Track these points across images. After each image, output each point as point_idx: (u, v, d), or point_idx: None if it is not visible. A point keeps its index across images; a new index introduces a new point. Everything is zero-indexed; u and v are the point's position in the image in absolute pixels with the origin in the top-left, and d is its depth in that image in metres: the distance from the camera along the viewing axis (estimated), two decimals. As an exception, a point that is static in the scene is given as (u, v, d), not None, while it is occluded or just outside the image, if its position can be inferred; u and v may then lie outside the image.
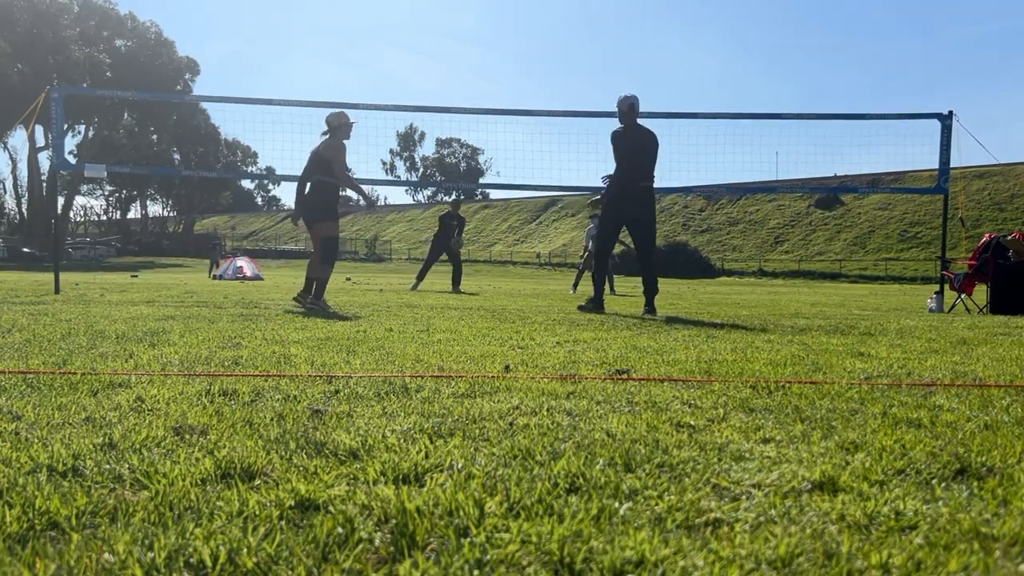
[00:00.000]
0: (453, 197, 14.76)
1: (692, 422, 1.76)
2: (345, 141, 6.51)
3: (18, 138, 58.98)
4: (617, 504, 1.14)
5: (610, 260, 13.46)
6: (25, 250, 49.02)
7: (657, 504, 1.15)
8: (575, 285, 13.58)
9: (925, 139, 9.02)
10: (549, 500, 1.16)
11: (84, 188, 68.68)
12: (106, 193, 75.40)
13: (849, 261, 49.79)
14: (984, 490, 1.25)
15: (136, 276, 22.69)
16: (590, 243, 13.53)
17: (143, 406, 1.87)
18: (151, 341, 3.31)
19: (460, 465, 1.34)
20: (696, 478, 1.29)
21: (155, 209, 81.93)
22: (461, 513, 1.09)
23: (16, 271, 28.52)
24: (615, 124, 6.53)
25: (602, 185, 6.97)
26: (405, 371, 2.55)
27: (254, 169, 79.32)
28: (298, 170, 6.70)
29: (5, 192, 72.92)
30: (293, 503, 1.14)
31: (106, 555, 0.93)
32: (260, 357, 2.85)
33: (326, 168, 6.36)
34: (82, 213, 77.39)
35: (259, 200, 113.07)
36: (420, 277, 13.06)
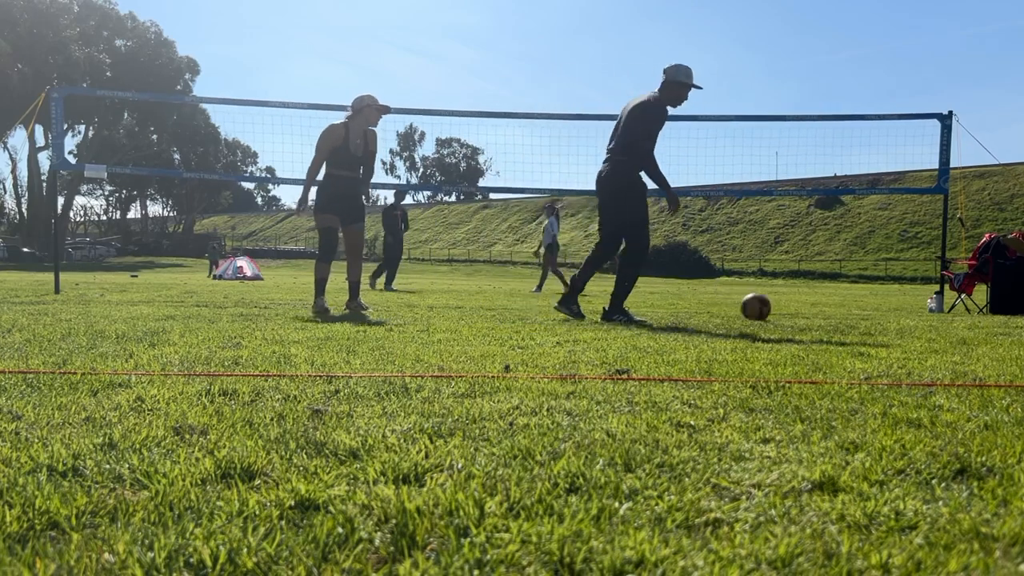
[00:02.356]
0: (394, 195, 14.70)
1: (692, 422, 1.76)
2: (372, 127, 5.87)
3: (18, 138, 59.01)
4: (617, 504, 1.14)
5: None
6: (25, 250, 49.05)
7: (657, 504, 1.15)
8: (546, 285, 13.32)
9: (925, 139, 9.01)
10: (549, 500, 1.16)
11: (84, 188, 68.69)
12: (106, 193, 75.45)
13: (849, 261, 49.79)
14: (984, 490, 1.25)
15: (136, 276, 22.69)
16: (549, 239, 13.30)
17: (143, 406, 1.87)
18: (151, 341, 3.31)
19: (460, 465, 1.34)
20: (696, 478, 1.29)
21: (155, 209, 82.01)
22: (461, 513, 1.09)
23: (16, 271, 28.51)
24: (611, 127, 6.03)
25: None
26: (405, 371, 2.55)
27: (254, 169, 79.31)
28: (299, 170, 6.60)
29: (5, 192, 73.02)
30: (293, 503, 1.14)
31: (106, 555, 0.93)
32: (260, 357, 2.85)
33: None
34: (82, 213, 77.45)
35: (259, 200, 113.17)
36: (387, 277, 13.04)
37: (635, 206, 5.32)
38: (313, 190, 5.88)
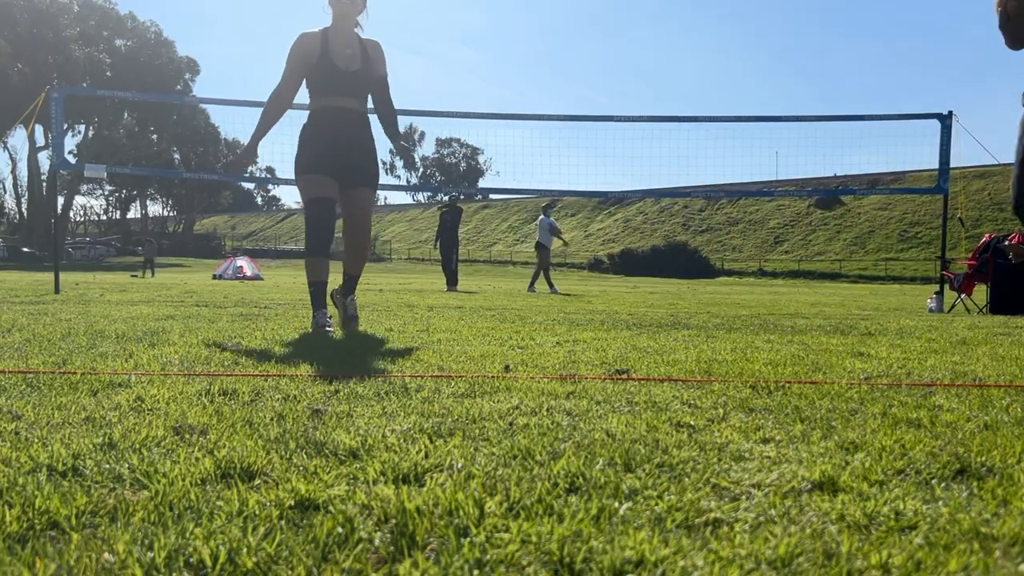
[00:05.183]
0: (448, 199, 15.32)
1: (692, 422, 1.76)
2: (367, 35, 3.91)
3: (18, 138, 59.12)
4: (617, 504, 1.14)
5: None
6: (25, 250, 49.09)
7: (657, 504, 1.15)
8: (542, 284, 13.39)
9: (925, 139, 9.04)
10: (549, 500, 1.16)
11: (84, 188, 68.76)
12: (106, 193, 75.53)
13: (849, 261, 49.80)
14: (984, 490, 1.25)
15: (136, 276, 22.69)
16: (546, 238, 13.34)
17: (143, 406, 1.87)
18: (151, 341, 3.31)
19: (460, 465, 1.34)
20: (696, 478, 1.29)
21: (155, 209, 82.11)
22: (461, 513, 1.09)
23: (16, 271, 28.51)
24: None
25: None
26: (405, 371, 2.54)
27: (254, 169, 79.32)
28: None
29: (5, 192, 73.19)
30: (293, 503, 1.14)
31: (106, 555, 0.93)
32: (260, 357, 2.85)
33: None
34: (82, 213, 77.54)
35: (259, 200, 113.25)
36: (451, 278, 13.17)
37: None
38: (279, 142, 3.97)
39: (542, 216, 13.53)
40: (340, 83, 3.78)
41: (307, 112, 3.95)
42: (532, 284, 13.21)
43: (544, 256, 13.39)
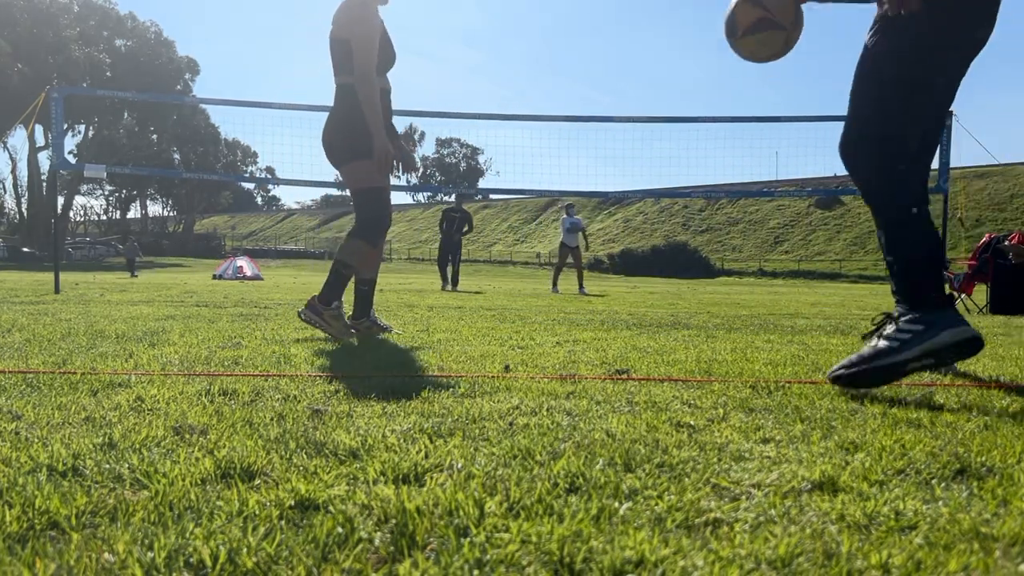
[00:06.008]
0: (454, 195, 15.12)
1: (692, 422, 1.76)
2: (381, 6, 3.60)
3: (18, 138, 59.18)
4: (617, 504, 1.14)
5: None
6: (25, 250, 49.11)
7: (657, 504, 1.15)
8: (572, 284, 13.37)
9: (925, 139, 9.03)
10: (549, 500, 1.16)
11: (84, 188, 68.81)
12: (106, 193, 75.59)
13: (849, 261, 49.78)
14: (984, 490, 1.25)
15: (136, 276, 22.71)
16: (570, 239, 13.24)
17: (143, 406, 1.87)
18: (151, 341, 3.31)
19: (460, 465, 1.34)
20: (696, 478, 1.29)
21: (155, 209, 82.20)
22: (461, 513, 1.09)
23: (16, 271, 28.52)
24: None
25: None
26: (405, 371, 2.54)
27: (254, 169, 79.37)
28: (298, 170, 5.82)
29: (5, 192, 73.29)
30: (293, 503, 1.14)
31: (106, 555, 0.93)
32: (260, 357, 2.85)
33: (346, 57, 3.47)
34: (82, 213, 77.61)
35: (259, 200, 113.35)
36: (445, 277, 13.20)
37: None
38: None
39: (564, 215, 13.41)
40: (391, 64, 3.58)
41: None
42: (581, 285, 13.08)
43: (563, 255, 13.32)
